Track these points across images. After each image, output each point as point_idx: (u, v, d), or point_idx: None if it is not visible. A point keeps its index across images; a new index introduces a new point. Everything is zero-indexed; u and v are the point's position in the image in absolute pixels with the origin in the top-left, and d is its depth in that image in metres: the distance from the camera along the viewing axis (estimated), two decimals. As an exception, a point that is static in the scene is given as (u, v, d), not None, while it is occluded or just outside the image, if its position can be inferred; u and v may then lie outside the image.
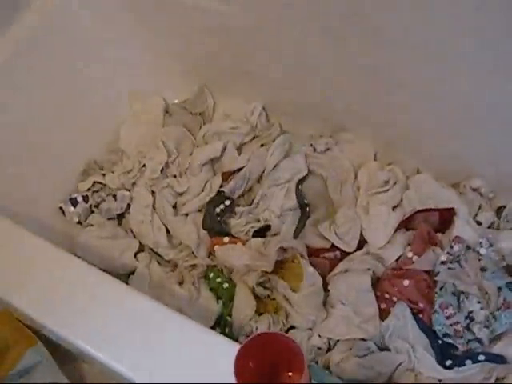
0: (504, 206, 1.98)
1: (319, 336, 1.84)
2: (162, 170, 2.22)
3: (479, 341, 1.75)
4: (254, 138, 2.31)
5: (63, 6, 2.13)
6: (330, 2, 1.79)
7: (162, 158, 2.22)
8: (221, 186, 2.15)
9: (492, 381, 1.70)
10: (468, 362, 1.72)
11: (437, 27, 1.66)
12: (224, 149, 2.22)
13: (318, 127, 2.26)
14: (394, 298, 1.83)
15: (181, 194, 2.19)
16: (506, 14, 1.51)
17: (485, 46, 1.63)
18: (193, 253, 2.07)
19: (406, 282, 1.82)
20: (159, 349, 1.35)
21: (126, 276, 2.07)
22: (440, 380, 1.72)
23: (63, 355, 1.74)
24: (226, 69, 2.34)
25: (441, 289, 1.81)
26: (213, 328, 1.89)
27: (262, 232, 2.07)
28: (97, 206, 2.20)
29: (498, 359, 1.72)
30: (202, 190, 2.17)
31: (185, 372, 1.30)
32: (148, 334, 1.38)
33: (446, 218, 1.96)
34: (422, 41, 1.72)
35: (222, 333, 1.88)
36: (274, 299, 1.92)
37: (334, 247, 1.99)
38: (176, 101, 2.50)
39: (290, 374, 1.18)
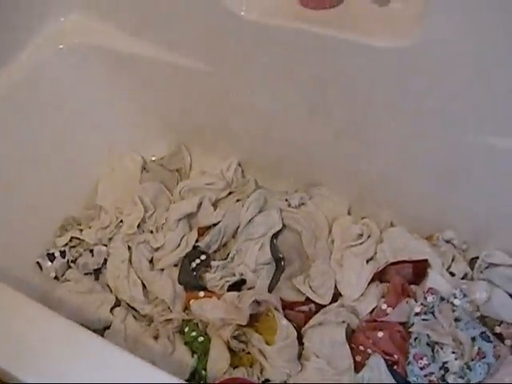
0: (477, 257, 2.00)
1: (294, 389, 1.83)
2: (138, 226, 2.23)
3: (454, 391, 1.75)
4: (229, 193, 2.33)
5: (47, 61, 2.16)
6: (304, 64, 1.83)
7: (139, 214, 2.24)
8: (196, 241, 2.17)
9: (468, 431, 1.70)
10: (444, 412, 1.71)
11: (408, 86, 1.70)
12: (200, 204, 2.23)
13: (292, 182, 2.29)
14: (369, 350, 1.83)
15: (157, 249, 2.19)
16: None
17: (456, 100, 1.66)
18: (168, 307, 2.06)
19: (381, 334, 1.83)
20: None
21: (101, 331, 2.05)
22: (416, 431, 1.72)
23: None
24: (202, 126, 2.37)
25: (415, 340, 1.81)
26: (188, 382, 1.87)
27: (237, 286, 2.07)
28: (74, 261, 2.20)
29: (474, 409, 1.72)
30: (178, 245, 2.17)
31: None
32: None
33: (419, 269, 1.97)
34: (395, 98, 1.76)
35: (197, 387, 1.87)
36: (248, 353, 1.91)
37: (308, 300, 1.99)
38: (153, 158, 2.53)
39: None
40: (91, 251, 2.21)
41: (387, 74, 1.71)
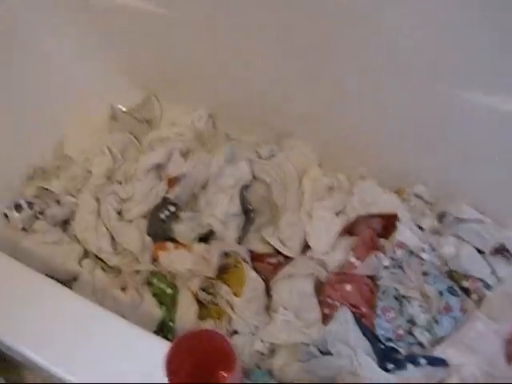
0: (446, 212, 2.00)
1: (262, 341, 1.83)
2: (107, 177, 2.21)
3: (421, 344, 1.76)
4: (200, 144, 2.31)
5: (14, 9, 2.13)
6: (275, 10, 1.80)
7: (108, 165, 2.23)
8: (166, 193, 2.15)
9: (433, 384, 1.71)
10: (409, 365, 1.72)
11: (384, 40, 1.68)
12: (170, 155, 2.21)
13: (263, 134, 2.26)
14: (337, 303, 1.83)
15: (125, 201, 2.18)
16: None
17: (430, 54, 1.65)
18: (137, 259, 2.05)
19: (349, 287, 1.83)
20: (98, 351, 1.35)
21: (69, 282, 2.03)
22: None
23: (6, 364, 1.72)
24: (173, 76, 2.34)
25: (383, 293, 1.82)
26: (156, 333, 1.85)
27: (206, 238, 2.06)
28: (42, 213, 2.18)
29: (439, 362, 1.72)
30: (147, 197, 2.15)
31: (121, 371, 1.30)
32: (88, 337, 1.37)
33: (388, 223, 1.97)
34: (370, 52, 1.74)
35: (165, 338, 1.83)
36: (217, 304, 1.91)
37: (277, 252, 1.99)
38: (123, 108, 2.49)
39: (223, 373, 1.17)
40: (59, 202, 2.18)
41: (364, 22, 1.68)
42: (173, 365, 1.02)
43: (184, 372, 1.05)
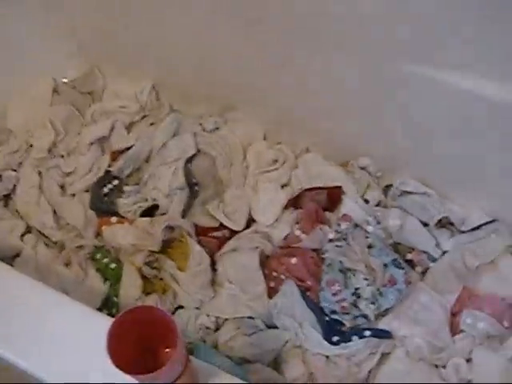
0: (391, 185, 2.00)
1: (207, 315, 1.83)
2: (49, 150, 2.18)
3: (365, 317, 1.77)
4: (143, 117, 2.29)
5: None
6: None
7: (50, 138, 2.18)
8: (109, 166, 2.12)
9: (378, 356, 1.73)
10: (354, 337, 1.73)
11: (331, 14, 1.67)
12: (112, 128, 2.19)
13: (207, 106, 2.24)
14: (282, 276, 1.83)
15: (68, 174, 2.14)
16: None
17: (375, 26, 1.64)
18: (80, 234, 2.02)
19: (294, 260, 1.82)
20: (39, 329, 1.33)
21: (11, 258, 2.00)
22: (327, 356, 1.73)
23: None
24: (116, 47, 2.30)
25: (328, 266, 1.82)
26: (100, 309, 1.85)
27: (150, 212, 2.04)
28: (-18, 187, 2.13)
29: (384, 334, 1.74)
30: (90, 170, 2.12)
31: (63, 349, 1.28)
32: (29, 314, 1.35)
33: (334, 196, 1.97)
34: (317, 26, 1.73)
35: (110, 314, 1.84)
36: (161, 279, 1.90)
37: (222, 226, 1.97)
38: (65, 80, 2.44)
39: (167, 349, 1.15)
40: (0, 177, 2.14)
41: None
42: (113, 344, 1.00)
43: (126, 350, 1.03)
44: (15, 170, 2.17)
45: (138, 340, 1.08)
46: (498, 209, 1.92)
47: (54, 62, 2.41)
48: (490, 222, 1.92)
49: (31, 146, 2.21)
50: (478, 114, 1.69)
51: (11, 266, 1.93)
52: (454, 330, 1.76)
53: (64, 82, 2.43)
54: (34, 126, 2.25)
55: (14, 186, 2.15)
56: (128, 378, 0.99)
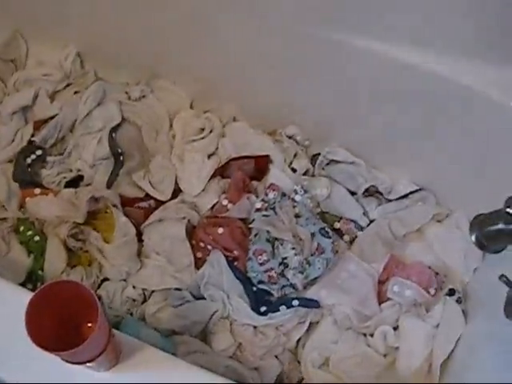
0: (319, 154, 2.00)
1: (133, 287, 1.81)
2: (-31, 120, 2.11)
3: (293, 286, 1.77)
4: (67, 85, 2.22)
5: None
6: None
7: (-30, 107, 2.11)
8: (32, 136, 2.06)
9: (306, 325, 1.75)
10: (282, 307, 1.73)
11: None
12: (36, 97, 2.12)
13: (133, 74, 2.20)
14: (209, 247, 1.82)
15: (-11, 145, 2.08)
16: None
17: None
18: (3, 206, 1.96)
19: (221, 230, 1.81)
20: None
21: None
22: (255, 326, 1.73)
23: None
24: (39, 12, 2.22)
25: (255, 236, 1.81)
26: (24, 283, 1.81)
27: (75, 182, 2.00)
28: None
29: (312, 304, 1.75)
30: (13, 140, 2.06)
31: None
32: None
33: (261, 165, 1.97)
34: None
35: (34, 287, 1.81)
36: (87, 251, 1.86)
37: (148, 196, 1.95)
38: (-15, 47, 2.36)
39: (89, 324, 1.13)
40: None
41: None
42: (33, 321, 0.98)
43: (47, 327, 1.01)
44: None
45: (60, 316, 1.06)
46: (425, 177, 1.93)
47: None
48: (417, 190, 1.94)
49: (-50, 115, 2.13)
50: (402, 82, 1.70)
51: None
52: (382, 298, 1.78)
53: (-16, 50, 2.35)
54: (-47, 94, 2.17)
55: None
56: (49, 355, 0.97)
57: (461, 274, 1.82)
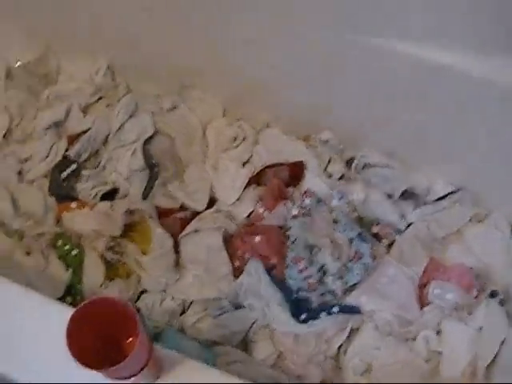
0: (354, 158, 1.99)
1: (172, 298, 1.81)
2: (4, 136, 2.13)
3: (333, 293, 1.76)
4: (99, 98, 2.24)
5: None
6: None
7: (4, 124, 2.14)
8: (66, 150, 2.07)
9: (346, 332, 1.72)
10: (322, 314, 1.72)
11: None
12: (68, 111, 2.14)
13: (164, 86, 2.21)
14: (247, 255, 1.81)
15: (25, 161, 2.09)
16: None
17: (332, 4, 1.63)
18: (40, 221, 1.98)
19: (258, 238, 1.80)
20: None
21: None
22: (295, 335, 1.71)
23: None
24: (69, 27, 2.24)
25: (293, 243, 1.80)
26: (64, 297, 1.82)
27: (110, 195, 2.01)
28: None
29: (352, 310, 1.74)
30: (47, 155, 2.07)
31: (25, 342, 1.26)
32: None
33: (296, 171, 1.96)
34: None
35: (74, 301, 1.81)
36: (125, 264, 1.87)
37: (184, 207, 1.95)
38: (18, 63, 2.38)
39: (130, 339, 1.13)
40: (-46, 166, 2.09)
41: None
42: (74, 337, 0.98)
43: (87, 343, 1.01)
44: (-30, 159, 2.12)
45: (100, 331, 1.06)
46: (462, 178, 1.91)
47: (7, 46, 2.35)
48: (454, 191, 1.92)
49: (-14, 133, 2.15)
50: (435, 85, 1.68)
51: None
52: (423, 301, 1.76)
53: (17, 66, 2.37)
54: (-12, 112, 2.19)
55: (-30, 175, 2.09)
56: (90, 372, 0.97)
57: (503, 275, 1.79)
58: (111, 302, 1.04)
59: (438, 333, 1.70)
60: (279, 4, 1.73)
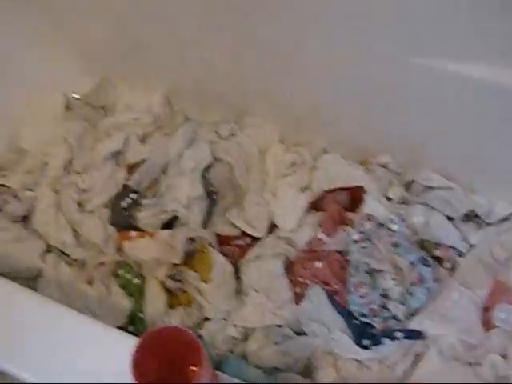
0: (413, 181, 1.97)
1: (234, 326, 1.80)
2: (64, 168, 2.16)
3: (396, 318, 1.74)
4: (157, 128, 2.26)
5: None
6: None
7: (64, 155, 2.17)
8: (126, 180, 2.10)
9: (411, 357, 1.70)
10: (386, 340, 1.70)
11: (340, 11, 1.66)
12: (127, 141, 2.16)
13: (222, 113, 2.22)
14: (308, 281, 1.80)
15: (85, 191, 2.12)
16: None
17: (390, 26, 1.64)
18: (101, 250, 2.00)
19: (319, 264, 1.80)
20: (64, 352, 1.31)
21: (34, 279, 1.98)
22: (359, 361, 1.70)
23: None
24: (126, 59, 2.29)
25: (354, 268, 1.79)
26: (126, 325, 1.84)
27: (170, 223, 2.02)
28: (0, 209, 2.11)
29: (416, 335, 1.71)
30: (107, 185, 2.10)
31: (89, 372, 1.26)
32: (52, 338, 1.33)
33: (355, 196, 1.95)
34: (328, 24, 1.73)
35: (136, 330, 1.82)
36: (186, 291, 1.87)
37: (243, 234, 1.95)
38: (76, 95, 2.43)
39: (194, 368, 1.13)
40: (17, 197, 2.12)
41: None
42: (139, 366, 0.98)
43: (151, 372, 1.01)
44: (32, 190, 2.14)
45: (163, 360, 1.06)
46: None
47: (65, 78, 2.39)
48: (516, 212, 1.89)
49: (47, 164, 2.18)
50: (494, 105, 1.67)
51: (34, 286, 1.92)
52: (488, 325, 1.73)
53: (76, 98, 2.42)
54: (48, 144, 2.23)
55: (32, 205, 2.12)
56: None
57: None
58: (176, 330, 1.04)
59: (504, 357, 1.67)
60: (335, 31, 1.73)
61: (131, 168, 2.12)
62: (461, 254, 1.87)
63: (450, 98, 1.74)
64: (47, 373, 1.28)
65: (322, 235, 1.87)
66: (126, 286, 1.91)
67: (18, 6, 2.17)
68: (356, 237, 1.84)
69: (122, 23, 2.12)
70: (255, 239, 1.94)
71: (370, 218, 1.86)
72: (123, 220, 2.03)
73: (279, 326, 1.78)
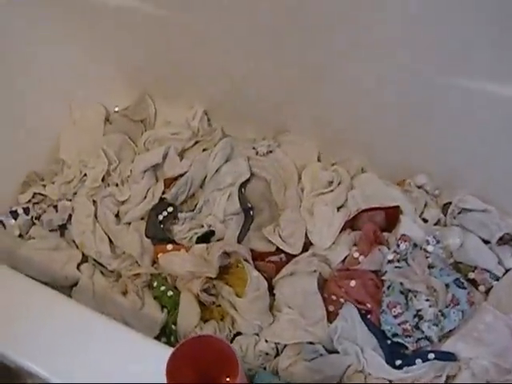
0: (450, 203, 1.97)
1: (266, 341, 1.81)
2: (103, 179, 2.19)
3: (428, 339, 1.73)
4: (195, 142, 2.29)
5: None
6: (267, 10, 1.78)
7: (103, 167, 2.19)
8: (163, 193, 2.12)
9: (443, 379, 1.68)
10: (418, 361, 1.69)
11: (380, 32, 1.67)
12: (165, 155, 2.18)
13: (260, 130, 2.24)
14: (342, 300, 1.80)
15: (123, 203, 2.15)
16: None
17: (425, 47, 1.64)
18: (136, 262, 2.02)
19: (353, 283, 1.79)
20: (98, 360, 1.32)
21: (69, 288, 2.00)
22: (390, 381, 1.69)
23: (6, 374, 1.69)
24: (166, 74, 2.31)
25: (388, 288, 1.79)
26: (158, 337, 1.85)
27: (206, 238, 2.03)
28: (38, 218, 2.15)
29: (448, 357, 1.70)
30: (145, 198, 2.13)
31: (122, 380, 1.27)
32: (87, 346, 1.35)
33: (391, 216, 1.94)
34: (365, 46, 1.73)
35: (168, 342, 1.84)
36: (219, 305, 1.88)
37: (279, 250, 1.95)
38: (116, 108, 2.47)
39: (227, 378, 1.14)
40: (55, 207, 2.15)
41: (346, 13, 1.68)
42: (174, 375, 0.99)
43: (185, 380, 1.02)
44: (70, 200, 2.18)
45: (198, 369, 1.07)
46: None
47: (106, 92, 2.43)
48: (553, 236, 1.88)
49: (85, 175, 2.21)
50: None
51: (69, 295, 1.95)
52: (522, 350, 1.72)
53: (116, 111, 2.45)
54: (88, 155, 2.26)
55: (70, 215, 2.15)
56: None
57: None
58: (211, 340, 1.05)
59: (539, 382, 1.66)
60: (376, 51, 1.73)
61: (169, 182, 2.13)
62: (496, 278, 1.85)
63: (488, 120, 1.74)
64: (81, 379, 1.30)
65: (357, 254, 1.87)
66: (159, 298, 1.93)
67: (67, 24, 2.20)
68: (391, 257, 1.83)
69: (162, 41, 2.15)
70: (290, 256, 1.94)
71: (405, 238, 1.85)
72: (159, 233, 2.04)
73: (311, 343, 1.78)
